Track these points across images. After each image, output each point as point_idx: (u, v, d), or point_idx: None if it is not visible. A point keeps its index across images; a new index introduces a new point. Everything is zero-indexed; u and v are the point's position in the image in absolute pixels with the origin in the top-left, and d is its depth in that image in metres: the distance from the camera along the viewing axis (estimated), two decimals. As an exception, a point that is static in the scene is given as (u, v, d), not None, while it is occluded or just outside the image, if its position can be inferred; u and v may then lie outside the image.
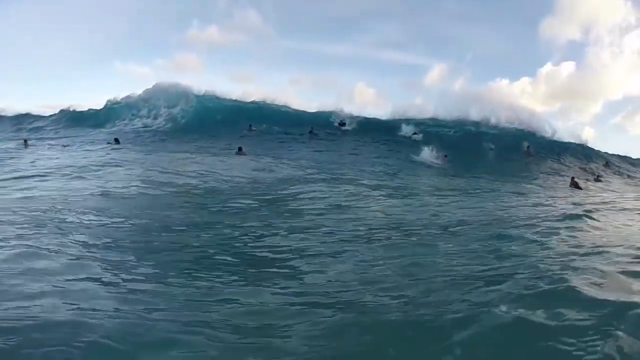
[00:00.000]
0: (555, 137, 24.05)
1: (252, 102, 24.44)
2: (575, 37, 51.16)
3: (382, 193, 9.49)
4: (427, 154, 18.76)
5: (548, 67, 50.12)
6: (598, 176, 18.46)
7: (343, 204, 7.90)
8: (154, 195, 8.11)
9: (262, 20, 56.88)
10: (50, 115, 29.78)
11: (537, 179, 16.19)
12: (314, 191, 9.02)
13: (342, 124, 24.08)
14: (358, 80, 76.53)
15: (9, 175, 9.57)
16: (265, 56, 58.08)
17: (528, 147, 21.51)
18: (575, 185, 14.94)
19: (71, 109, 28.88)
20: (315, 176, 11.49)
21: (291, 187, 9.45)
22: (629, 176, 20.64)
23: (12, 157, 12.80)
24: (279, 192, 8.99)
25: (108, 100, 28.57)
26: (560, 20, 51.07)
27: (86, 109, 28.44)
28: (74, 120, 27.16)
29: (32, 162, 11.79)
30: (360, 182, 10.88)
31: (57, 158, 12.25)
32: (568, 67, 48.43)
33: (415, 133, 22.89)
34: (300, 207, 7.52)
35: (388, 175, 13.14)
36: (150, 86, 28.15)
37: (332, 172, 12.42)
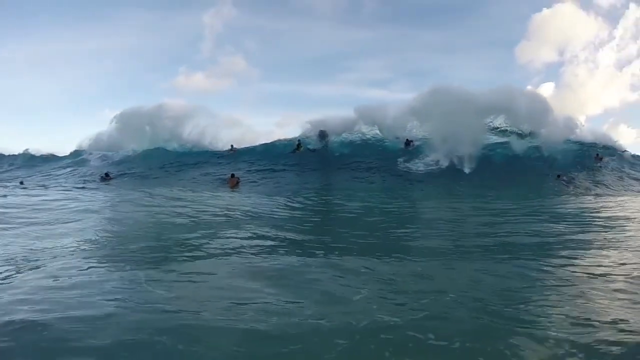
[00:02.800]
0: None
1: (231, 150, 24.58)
2: (551, 58, 55.99)
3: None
4: (428, 160, 19.44)
5: (527, 91, 54.76)
6: (559, 175, 17.84)
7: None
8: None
9: (247, 65, 60.02)
10: (14, 155, 30.25)
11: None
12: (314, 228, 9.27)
13: (409, 142, 21.64)
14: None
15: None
16: (251, 99, 60.50)
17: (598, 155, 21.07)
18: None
19: (38, 154, 29.69)
20: (308, 205, 12.37)
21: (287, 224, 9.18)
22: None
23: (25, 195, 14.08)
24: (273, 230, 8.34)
25: (80, 140, 29.33)
26: (535, 43, 54.66)
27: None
28: (49, 161, 28.11)
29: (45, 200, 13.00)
30: (356, 211, 11.24)
31: (72, 198, 13.62)
32: (547, 89, 50.71)
33: (408, 143, 21.64)
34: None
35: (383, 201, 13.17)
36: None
37: (324, 199, 13.54)
